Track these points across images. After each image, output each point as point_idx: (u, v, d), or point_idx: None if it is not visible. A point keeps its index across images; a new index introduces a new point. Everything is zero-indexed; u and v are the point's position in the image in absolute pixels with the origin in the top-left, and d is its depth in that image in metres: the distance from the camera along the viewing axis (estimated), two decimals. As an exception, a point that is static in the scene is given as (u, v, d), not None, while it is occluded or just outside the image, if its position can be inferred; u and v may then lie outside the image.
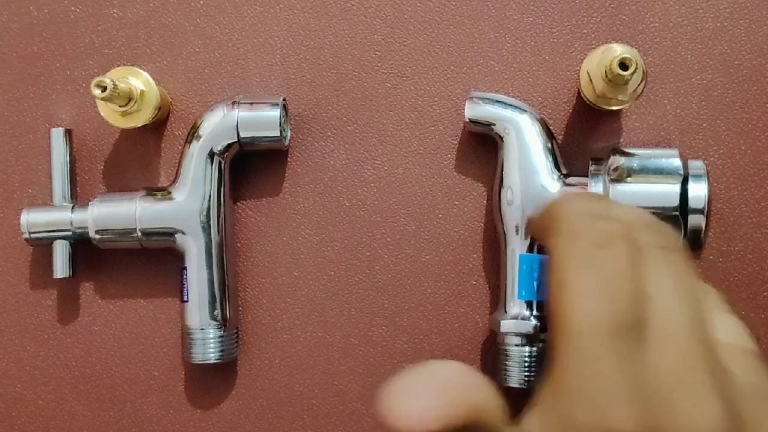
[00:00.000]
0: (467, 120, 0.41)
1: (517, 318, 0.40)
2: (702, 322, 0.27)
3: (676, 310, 0.27)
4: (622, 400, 0.25)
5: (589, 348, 0.26)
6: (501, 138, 0.41)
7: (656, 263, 0.28)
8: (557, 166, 0.40)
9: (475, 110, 0.41)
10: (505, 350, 0.40)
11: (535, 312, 0.39)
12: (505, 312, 0.40)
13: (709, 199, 0.37)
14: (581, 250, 0.28)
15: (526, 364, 0.39)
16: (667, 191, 0.37)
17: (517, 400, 0.42)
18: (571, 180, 0.39)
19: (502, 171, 0.40)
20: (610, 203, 0.33)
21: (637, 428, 0.24)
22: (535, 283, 0.40)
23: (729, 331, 0.30)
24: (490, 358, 0.42)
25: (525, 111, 0.41)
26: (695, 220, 0.37)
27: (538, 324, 0.39)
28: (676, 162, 0.38)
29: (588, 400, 0.25)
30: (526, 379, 0.39)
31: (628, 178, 0.38)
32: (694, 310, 0.27)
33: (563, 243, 0.29)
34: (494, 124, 0.41)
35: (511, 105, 0.41)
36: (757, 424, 0.25)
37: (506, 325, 0.39)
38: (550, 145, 0.40)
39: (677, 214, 0.37)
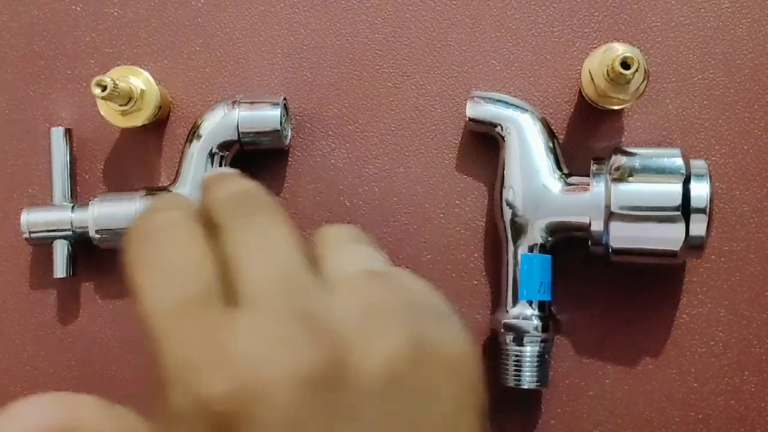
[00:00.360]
0: (468, 119, 0.41)
1: (518, 318, 0.39)
2: (293, 271, 0.27)
3: (262, 269, 0.27)
4: (208, 367, 0.24)
5: (159, 331, 0.25)
6: (502, 137, 0.41)
7: (238, 232, 0.28)
8: (558, 166, 0.40)
9: (476, 110, 0.41)
10: (506, 350, 0.40)
11: (536, 312, 0.39)
12: (506, 312, 0.40)
13: (711, 198, 0.37)
14: (136, 244, 0.28)
15: (528, 364, 0.39)
16: (669, 191, 0.37)
17: (519, 399, 0.42)
18: (572, 180, 0.39)
19: (503, 171, 0.40)
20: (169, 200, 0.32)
21: (227, 391, 0.24)
22: (536, 283, 0.39)
23: (355, 260, 0.30)
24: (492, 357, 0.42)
25: (526, 110, 0.41)
26: (697, 220, 0.36)
27: (540, 324, 0.39)
28: (678, 161, 0.37)
29: (180, 381, 0.25)
30: (528, 379, 0.39)
31: (630, 178, 0.37)
32: (282, 262, 0.27)
33: (126, 246, 0.28)
34: (495, 124, 0.41)
35: (512, 104, 0.41)
36: (360, 349, 0.26)
37: (508, 324, 0.39)
38: (551, 144, 0.40)
39: (679, 214, 0.36)
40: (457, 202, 0.43)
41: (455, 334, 0.30)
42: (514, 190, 0.40)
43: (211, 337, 0.25)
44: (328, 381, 0.25)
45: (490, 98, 0.41)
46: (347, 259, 0.30)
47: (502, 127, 0.41)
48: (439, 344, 0.28)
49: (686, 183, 0.37)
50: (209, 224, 0.29)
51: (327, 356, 0.25)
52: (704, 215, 0.36)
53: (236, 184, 0.32)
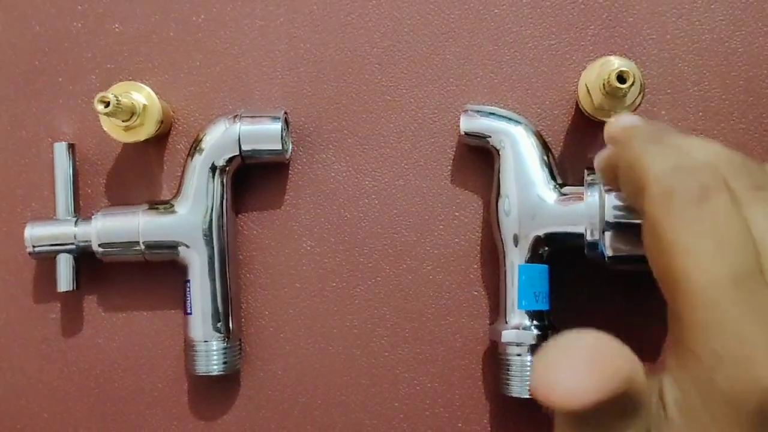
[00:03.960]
0: (463, 133, 0.42)
1: (517, 328, 0.40)
2: None
3: None
4: (765, 354, 0.23)
5: (715, 303, 0.24)
6: (497, 150, 0.41)
7: (754, 205, 0.27)
8: (553, 177, 0.40)
9: (470, 123, 0.42)
10: (506, 360, 0.40)
11: (534, 321, 0.40)
12: (506, 322, 0.40)
13: None
14: (680, 208, 0.26)
15: (528, 374, 0.40)
16: None
17: (520, 409, 0.43)
18: (566, 190, 0.40)
19: (498, 183, 0.41)
20: (686, 146, 0.30)
21: None
22: (534, 293, 0.40)
23: None
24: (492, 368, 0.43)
25: (520, 123, 0.41)
26: None
27: (539, 333, 0.39)
28: None
29: (731, 362, 0.24)
30: (527, 389, 0.40)
31: None
32: None
33: (658, 205, 0.27)
34: (489, 137, 0.41)
35: (505, 117, 0.41)
36: None
37: (507, 335, 0.40)
38: (545, 156, 0.40)
39: None
40: (456, 213, 0.44)
41: None
42: (510, 201, 0.40)
43: (764, 319, 0.24)
44: None
45: (483, 111, 0.42)
46: None
47: (496, 140, 0.41)
48: None
49: None
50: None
51: None
52: None
53: (718, 146, 0.30)
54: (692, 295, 0.25)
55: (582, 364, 0.24)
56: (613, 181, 0.32)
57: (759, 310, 0.24)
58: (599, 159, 0.34)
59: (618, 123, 0.33)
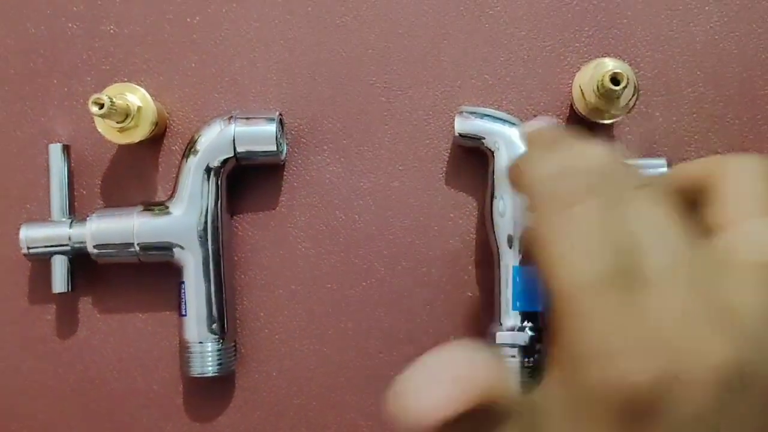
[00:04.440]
0: (457, 134, 0.42)
1: (512, 329, 0.40)
2: (694, 255, 0.26)
3: (667, 250, 0.26)
4: (630, 352, 0.24)
5: (584, 306, 0.25)
6: (491, 152, 0.41)
7: (635, 205, 0.27)
8: (549, 179, 0.40)
9: (464, 124, 0.42)
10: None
11: (530, 323, 0.40)
12: (500, 324, 0.40)
13: None
14: (549, 215, 0.27)
15: (522, 375, 0.40)
16: None
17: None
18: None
19: (493, 184, 0.41)
20: (569, 150, 0.30)
21: (652, 378, 0.24)
22: (528, 294, 0.40)
23: (750, 242, 0.28)
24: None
25: (514, 124, 0.41)
26: None
27: (534, 335, 0.40)
28: (664, 171, 0.38)
29: (595, 360, 0.24)
30: (523, 390, 0.40)
31: None
32: (685, 245, 0.26)
33: (534, 212, 0.28)
34: (484, 138, 0.41)
35: (500, 119, 0.41)
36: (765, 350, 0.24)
37: (502, 336, 0.40)
38: (541, 159, 0.41)
39: None
40: (452, 215, 0.44)
41: None
42: (505, 202, 0.40)
43: (631, 319, 0.25)
44: (737, 382, 0.24)
45: (478, 113, 0.42)
46: (749, 241, 0.27)
47: (490, 142, 0.41)
48: None
49: None
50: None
51: (739, 356, 0.24)
52: None
53: (602, 150, 0.30)
54: (561, 299, 0.26)
55: (438, 383, 0.24)
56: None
57: (626, 309, 0.25)
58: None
59: (528, 126, 0.33)
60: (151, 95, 0.43)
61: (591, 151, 0.30)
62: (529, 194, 0.29)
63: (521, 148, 0.40)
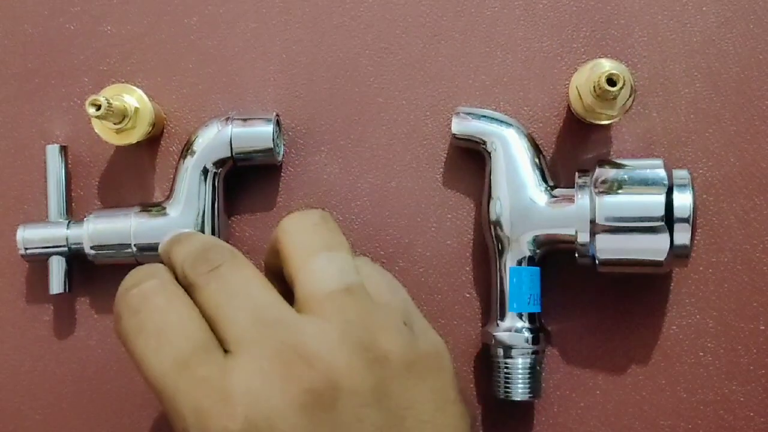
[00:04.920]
0: (454, 135, 0.42)
1: (509, 330, 0.40)
2: (267, 309, 0.30)
3: (239, 314, 0.30)
4: (214, 412, 0.28)
5: (165, 390, 0.30)
6: (488, 152, 0.41)
7: (208, 286, 0.31)
8: (544, 179, 0.40)
9: (461, 125, 0.42)
10: (498, 363, 0.40)
11: (526, 324, 0.40)
12: (497, 325, 0.40)
13: (694, 208, 0.37)
14: (127, 325, 0.32)
15: (520, 376, 0.40)
16: (653, 201, 0.37)
17: (512, 411, 0.43)
18: (557, 192, 0.40)
19: (489, 185, 0.41)
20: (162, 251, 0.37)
21: (238, 428, 0.27)
22: (526, 295, 0.40)
23: (324, 276, 0.32)
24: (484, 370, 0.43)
25: (511, 125, 0.41)
26: (681, 230, 0.37)
27: (530, 336, 0.40)
28: (661, 172, 0.38)
29: (190, 430, 0.29)
30: (520, 390, 0.40)
31: (614, 190, 0.38)
32: (255, 303, 0.30)
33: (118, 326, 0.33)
34: (481, 139, 0.41)
35: (497, 119, 0.41)
36: (345, 366, 0.29)
37: (498, 337, 0.40)
38: (537, 159, 0.41)
39: (663, 224, 0.37)
40: (449, 215, 0.44)
41: (426, 333, 0.33)
42: (501, 204, 0.40)
43: (212, 384, 0.28)
44: (323, 402, 0.28)
45: (475, 114, 0.42)
46: (316, 278, 0.32)
47: (487, 142, 0.41)
48: (415, 347, 0.31)
49: (669, 193, 0.37)
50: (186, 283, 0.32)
51: (318, 379, 0.28)
52: (687, 225, 0.37)
53: (193, 241, 0.35)
54: (155, 390, 0.30)
55: None
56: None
57: (204, 381, 0.29)
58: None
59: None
60: (149, 96, 0.43)
61: (176, 246, 0.35)
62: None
63: (518, 148, 0.41)
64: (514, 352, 0.40)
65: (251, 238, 0.44)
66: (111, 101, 0.40)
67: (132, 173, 0.45)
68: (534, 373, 0.40)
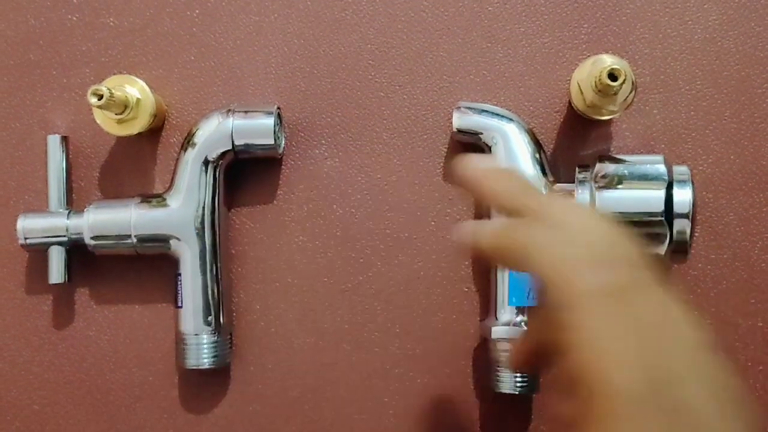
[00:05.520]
0: (455, 130, 0.42)
1: (508, 324, 0.40)
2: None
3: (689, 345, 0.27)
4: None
5: (637, 415, 0.25)
6: (489, 147, 0.41)
7: (644, 295, 0.28)
8: (545, 174, 0.40)
9: (462, 120, 0.42)
10: (497, 356, 0.40)
11: (525, 318, 0.40)
12: (496, 319, 0.40)
13: (694, 203, 0.37)
14: (597, 309, 0.27)
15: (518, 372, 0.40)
16: (653, 197, 0.37)
17: (510, 405, 0.43)
18: (557, 187, 0.40)
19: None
20: (565, 221, 0.30)
21: None
22: (524, 290, 0.40)
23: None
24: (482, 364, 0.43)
25: (512, 120, 0.41)
26: (680, 225, 0.37)
27: (529, 330, 0.40)
28: (661, 168, 0.38)
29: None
30: (518, 384, 0.40)
31: (614, 185, 0.38)
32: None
33: (568, 304, 0.27)
34: (482, 134, 0.41)
35: (498, 114, 0.41)
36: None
37: (497, 331, 0.40)
38: (537, 154, 0.41)
39: (663, 219, 0.37)
40: (448, 210, 0.44)
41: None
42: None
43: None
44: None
45: (476, 109, 0.42)
46: None
47: (488, 137, 0.41)
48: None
49: (669, 189, 0.37)
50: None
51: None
52: (687, 220, 0.37)
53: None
54: (612, 404, 0.25)
55: None
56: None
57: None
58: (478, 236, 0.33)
59: (468, 166, 0.33)
60: (150, 87, 0.43)
61: (592, 223, 0.30)
62: (555, 286, 0.28)
63: (518, 143, 0.41)
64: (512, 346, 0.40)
65: (251, 230, 0.44)
66: (113, 91, 0.40)
67: (133, 164, 0.45)
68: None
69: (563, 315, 0.27)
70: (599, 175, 0.38)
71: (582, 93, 0.40)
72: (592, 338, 0.26)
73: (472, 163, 0.32)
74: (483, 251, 0.31)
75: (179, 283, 0.42)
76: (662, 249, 0.37)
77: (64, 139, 0.44)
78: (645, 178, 0.38)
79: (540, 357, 0.31)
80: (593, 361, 0.26)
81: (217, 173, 0.42)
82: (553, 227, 0.29)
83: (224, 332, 0.42)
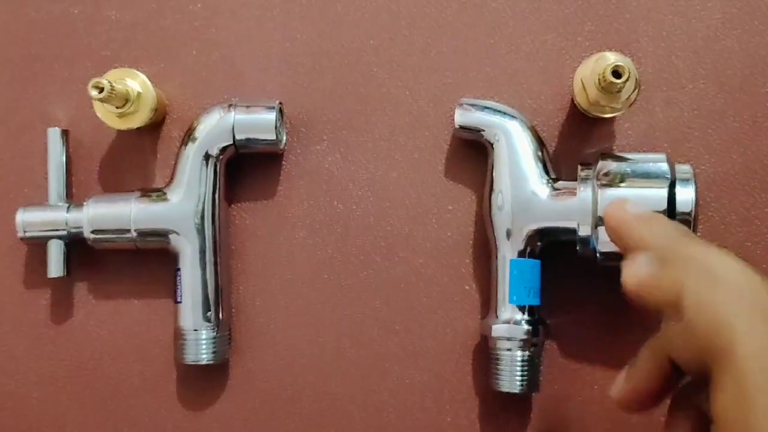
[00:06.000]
0: (457, 126, 0.41)
1: (508, 323, 0.40)
2: None
3: None
4: None
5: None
6: (491, 144, 0.41)
7: None
8: (547, 172, 0.40)
9: (464, 117, 0.41)
10: (497, 355, 0.40)
11: (525, 316, 0.40)
12: (497, 317, 0.40)
13: (696, 202, 0.37)
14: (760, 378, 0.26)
15: (518, 369, 0.40)
16: (655, 195, 0.37)
17: (509, 404, 0.42)
18: (560, 185, 0.40)
19: (492, 177, 0.41)
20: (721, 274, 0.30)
21: None
22: (526, 288, 0.40)
23: None
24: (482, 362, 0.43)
25: (514, 117, 0.41)
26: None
27: (529, 328, 0.39)
28: (664, 166, 0.38)
29: None
30: (518, 383, 0.40)
31: (617, 183, 0.38)
32: None
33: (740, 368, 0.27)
34: (484, 131, 0.41)
35: (500, 111, 0.41)
36: None
37: (498, 329, 0.40)
38: (540, 151, 0.40)
39: None
40: (450, 207, 0.44)
41: None
42: (503, 196, 0.40)
43: None
44: None
45: (478, 105, 0.42)
46: None
47: (490, 134, 0.41)
48: None
49: (672, 187, 0.37)
50: None
51: None
52: (689, 219, 0.37)
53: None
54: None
55: None
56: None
57: None
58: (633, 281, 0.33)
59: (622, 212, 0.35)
60: (152, 81, 0.43)
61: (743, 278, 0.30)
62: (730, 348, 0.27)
63: (521, 140, 0.40)
64: (512, 345, 0.40)
65: (251, 225, 0.44)
66: (114, 84, 0.39)
67: (133, 158, 0.45)
68: (532, 366, 0.40)
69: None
70: (602, 173, 0.38)
71: (585, 90, 0.40)
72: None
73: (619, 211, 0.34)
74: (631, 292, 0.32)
75: (179, 278, 0.42)
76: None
77: (65, 133, 0.44)
78: (647, 177, 0.38)
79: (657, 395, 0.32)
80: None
81: (218, 168, 0.42)
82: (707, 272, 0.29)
83: (223, 328, 0.42)
